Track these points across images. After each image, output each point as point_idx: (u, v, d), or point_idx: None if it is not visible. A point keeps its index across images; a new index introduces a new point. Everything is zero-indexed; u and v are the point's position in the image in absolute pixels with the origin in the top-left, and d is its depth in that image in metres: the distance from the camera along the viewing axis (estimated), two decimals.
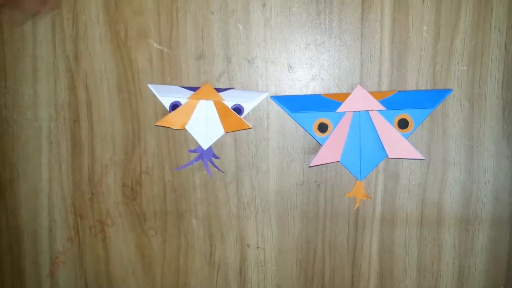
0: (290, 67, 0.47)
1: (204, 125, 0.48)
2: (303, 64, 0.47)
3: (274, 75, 0.47)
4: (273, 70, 0.47)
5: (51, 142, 0.50)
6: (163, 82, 0.48)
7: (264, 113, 0.48)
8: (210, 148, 0.48)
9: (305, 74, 0.47)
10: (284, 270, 0.50)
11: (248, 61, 0.47)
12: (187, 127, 0.48)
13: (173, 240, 0.50)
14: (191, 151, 0.49)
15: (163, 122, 0.48)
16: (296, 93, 0.48)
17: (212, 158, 0.49)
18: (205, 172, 0.49)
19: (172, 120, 0.48)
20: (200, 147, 0.48)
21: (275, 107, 0.48)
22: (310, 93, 0.48)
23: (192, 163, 0.49)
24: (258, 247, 0.50)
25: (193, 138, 0.49)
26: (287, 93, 0.48)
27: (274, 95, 0.48)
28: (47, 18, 0.48)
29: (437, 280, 0.49)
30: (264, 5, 0.46)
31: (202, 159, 0.49)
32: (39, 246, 0.52)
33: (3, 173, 0.51)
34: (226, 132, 0.48)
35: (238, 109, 0.47)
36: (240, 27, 0.47)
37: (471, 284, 0.49)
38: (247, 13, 0.46)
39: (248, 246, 0.50)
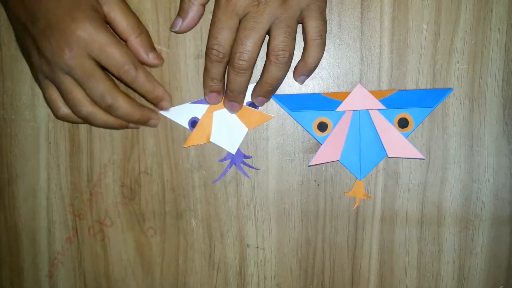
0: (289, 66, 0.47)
1: (225, 131, 0.48)
2: None
3: None
4: None
5: (49, 142, 0.50)
6: (162, 81, 0.47)
7: (263, 112, 0.48)
8: (239, 150, 0.48)
9: None
10: (284, 270, 0.50)
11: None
12: (211, 140, 0.48)
13: (172, 240, 0.50)
14: (221, 160, 0.48)
15: (189, 142, 0.48)
16: (295, 92, 0.48)
17: (244, 159, 0.48)
18: (204, 172, 0.49)
19: (196, 137, 0.48)
20: (228, 153, 0.48)
21: (274, 107, 0.48)
22: (309, 92, 0.47)
23: (226, 171, 0.49)
24: (257, 247, 0.50)
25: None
26: (286, 92, 0.48)
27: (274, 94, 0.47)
28: None
29: (437, 279, 0.49)
30: None
31: (235, 164, 0.48)
32: (38, 247, 0.51)
33: (1, 174, 0.51)
34: (250, 130, 0.48)
35: (254, 104, 0.47)
36: None
37: (471, 283, 0.49)
38: None
39: (247, 246, 0.50)
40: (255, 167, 0.48)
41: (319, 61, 0.44)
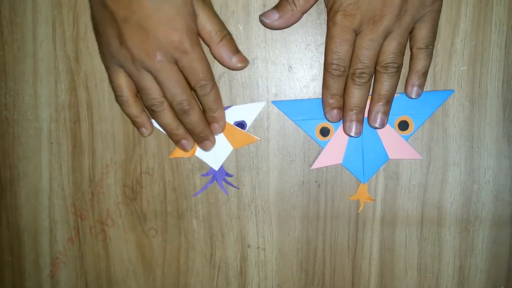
0: (291, 67, 0.47)
1: None
2: (303, 64, 0.47)
3: (275, 76, 0.47)
4: (273, 71, 0.47)
5: (52, 143, 0.50)
6: None
7: (264, 113, 0.48)
8: (221, 168, 0.48)
9: (305, 75, 0.47)
10: (285, 270, 0.50)
11: (248, 61, 0.47)
12: (196, 154, 0.49)
13: (173, 240, 0.50)
14: (203, 175, 0.49)
15: (175, 154, 0.49)
16: (296, 94, 0.48)
17: (226, 177, 0.49)
18: (205, 173, 0.49)
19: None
20: (211, 169, 0.49)
21: (276, 109, 0.48)
22: (310, 93, 0.48)
23: (207, 186, 0.49)
24: (258, 247, 0.50)
25: (204, 162, 0.49)
26: (287, 94, 0.48)
27: (275, 95, 0.48)
28: (47, 18, 0.48)
29: (437, 280, 0.49)
30: (264, 5, 0.46)
31: (216, 181, 0.49)
32: (40, 247, 0.52)
33: (3, 174, 0.51)
34: (235, 149, 0.48)
35: (242, 124, 0.48)
36: (241, 27, 0.47)
37: (472, 284, 0.49)
38: (247, 13, 0.46)
39: (248, 246, 0.50)
40: (257, 167, 0.49)
41: (427, 69, 0.44)
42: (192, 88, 0.44)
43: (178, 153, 0.49)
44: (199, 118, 0.45)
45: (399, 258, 0.49)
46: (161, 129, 0.48)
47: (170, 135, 0.47)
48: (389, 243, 0.49)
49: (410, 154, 0.47)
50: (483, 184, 0.48)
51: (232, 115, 0.48)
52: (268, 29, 0.47)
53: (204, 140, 0.47)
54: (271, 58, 0.47)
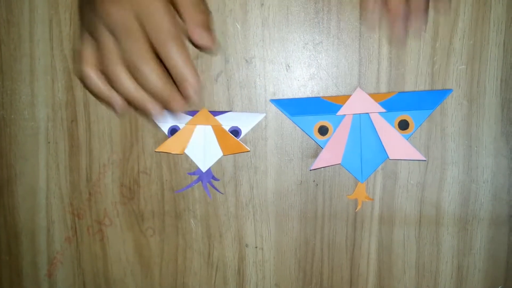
0: (288, 66, 0.47)
1: (202, 148, 0.48)
2: (301, 63, 0.47)
3: (272, 75, 0.47)
4: (271, 70, 0.47)
5: (49, 142, 0.50)
6: None
7: (262, 112, 0.48)
8: (209, 170, 0.49)
9: (303, 74, 0.47)
10: (283, 270, 0.50)
11: (246, 60, 0.47)
12: (186, 151, 0.48)
13: (171, 240, 0.50)
14: (190, 173, 0.49)
15: (162, 147, 0.48)
16: (294, 93, 0.48)
17: (212, 180, 0.49)
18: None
19: (171, 145, 0.48)
20: (199, 169, 0.49)
21: (274, 107, 0.48)
22: (308, 92, 0.48)
23: (192, 185, 0.49)
24: (256, 247, 0.50)
25: (192, 161, 0.49)
26: (285, 93, 0.48)
27: (272, 94, 0.48)
28: (44, 17, 0.48)
29: (435, 279, 0.49)
30: (262, 4, 0.46)
31: (202, 181, 0.49)
32: (37, 246, 0.52)
33: (0, 173, 0.51)
34: (224, 155, 0.48)
35: (236, 132, 0.48)
36: (238, 26, 0.47)
37: (470, 283, 0.49)
38: (245, 12, 0.46)
39: (246, 246, 0.50)
40: (255, 166, 0.49)
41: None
42: (156, 49, 0.39)
43: (167, 148, 0.48)
44: (157, 75, 0.38)
45: (397, 257, 0.49)
46: (160, 127, 0.48)
47: (132, 102, 0.40)
48: (387, 242, 0.49)
49: (412, 154, 0.47)
50: (481, 183, 0.48)
51: (228, 120, 0.48)
52: (266, 28, 0.46)
53: (170, 100, 0.39)
54: (269, 57, 0.47)
